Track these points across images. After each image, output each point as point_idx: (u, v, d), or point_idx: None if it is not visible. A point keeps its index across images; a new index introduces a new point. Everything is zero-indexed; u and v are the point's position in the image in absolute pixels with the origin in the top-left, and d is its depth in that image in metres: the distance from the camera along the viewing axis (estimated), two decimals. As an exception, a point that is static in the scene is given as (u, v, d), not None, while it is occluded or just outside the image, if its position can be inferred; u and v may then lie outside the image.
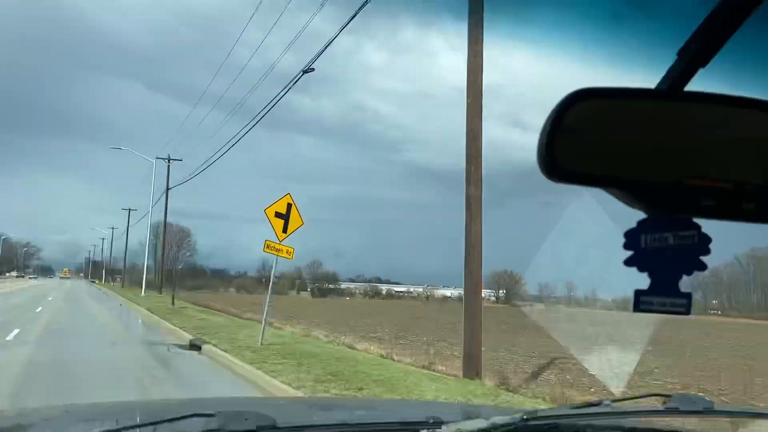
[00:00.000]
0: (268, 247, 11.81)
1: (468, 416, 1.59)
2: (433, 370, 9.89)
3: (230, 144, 24.05)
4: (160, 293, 41.39)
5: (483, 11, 8.87)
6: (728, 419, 2.08)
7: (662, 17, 1.08)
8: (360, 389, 7.26)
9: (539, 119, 0.75)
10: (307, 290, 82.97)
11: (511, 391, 8.26)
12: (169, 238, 58.71)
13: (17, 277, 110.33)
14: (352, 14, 11.39)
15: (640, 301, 0.78)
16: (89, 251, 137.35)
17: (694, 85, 0.76)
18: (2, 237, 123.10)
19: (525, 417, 1.46)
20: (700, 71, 0.76)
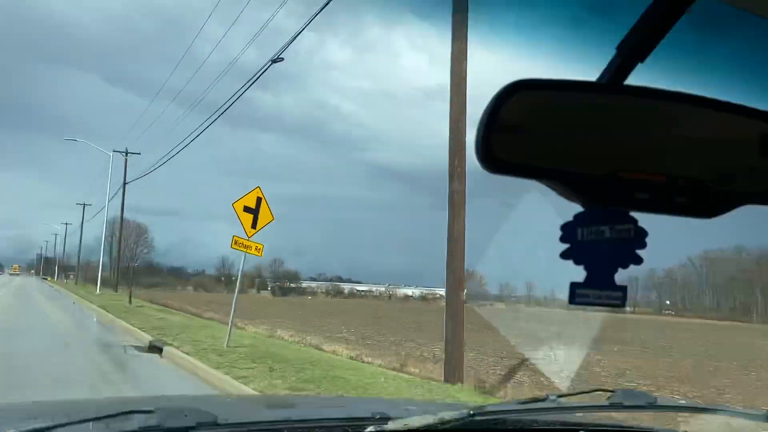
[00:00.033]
0: (236, 243, 11.23)
1: (416, 412, 1.57)
2: (406, 372, 9.61)
3: (190, 138, 23.50)
4: (116, 291, 40.30)
5: (467, 11, 8.71)
6: (671, 414, 2.11)
7: (604, 11, 1.09)
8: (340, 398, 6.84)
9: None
10: (267, 289, 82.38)
11: (486, 394, 8.06)
12: (126, 235, 57.03)
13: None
14: (316, 9, 11.27)
15: (576, 294, 0.78)
16: (41, 247, 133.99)
17: (634, 79, 0.76)
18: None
19: (472, 412, 1.47)
20: (639, 66, 0.76)
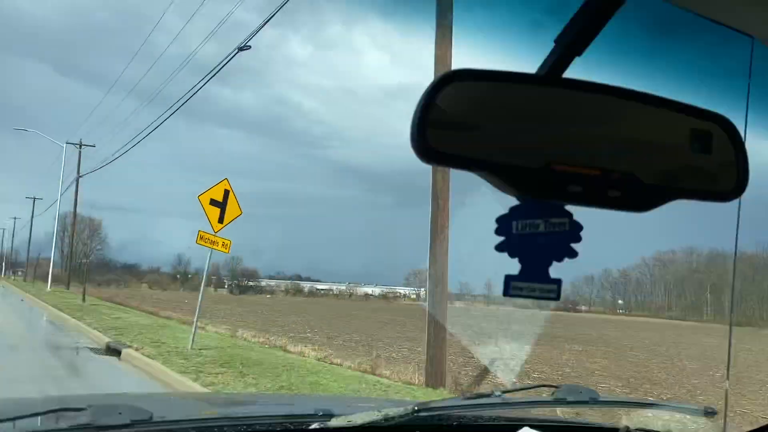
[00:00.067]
0: (201, 238, 10.73)
1: (361, 408, 1.57)
2: (380, 375, 9.38)
3: (147, 132, 23.01)
4: (68, 288, 39.10)
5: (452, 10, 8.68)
6: (612, 409, 2.17)
7: (543, 4, 1.10)
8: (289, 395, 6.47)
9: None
10: (224, 287, 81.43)
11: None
12: (79, 230, 55.27)
13: None
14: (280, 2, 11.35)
15: (511, 287, 0.79)
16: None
17: (572, 72, 0.77)
18: None
19: (417, 408, 1.48)
20: (577, 60, 0.77)
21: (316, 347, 13.43)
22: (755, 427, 1.52)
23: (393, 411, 1.48)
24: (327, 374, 8.76)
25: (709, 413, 1.64)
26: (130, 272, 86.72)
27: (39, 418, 1.44)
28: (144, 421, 1.43)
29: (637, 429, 1.65)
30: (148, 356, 9.80)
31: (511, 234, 0.81)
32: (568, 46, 0.77)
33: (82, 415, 1.37)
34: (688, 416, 1.77)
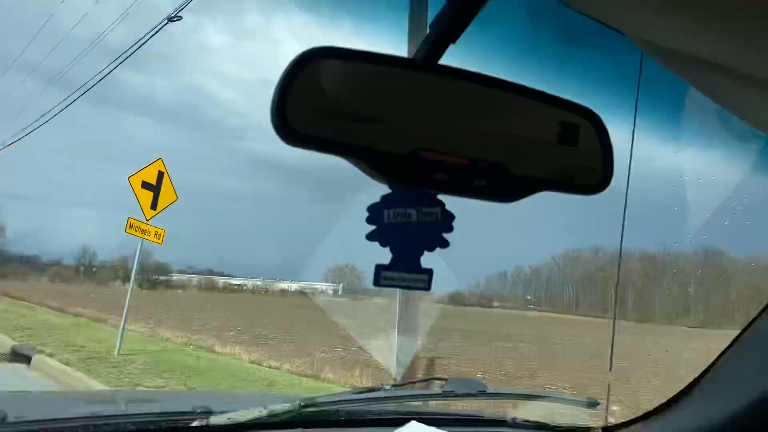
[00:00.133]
0: (131, 227, 9.91)
1: (245, 405, 1.53)
2: (325, 380, 9.23)
3: (48, 117, 21.43)
4: (-46, 282, 35.96)
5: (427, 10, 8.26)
6: (501, 401, 2.22)
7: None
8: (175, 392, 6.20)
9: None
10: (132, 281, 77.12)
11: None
12: (-28, 220, 51.27)
13: None
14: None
15: (381, 276, 0.78)
16: None
17: (447, 59, 0.75)
18: None
19: (303, 404, 1.46)
20: (453, 47, 0.75)
21: (246, 347, 13.03)
22: (635, 416, 1.78)
23: (278, 407, 1.46)
24: (287, 387, 8.40)
25: (592, 404, 1.75)
26: (28, 265, 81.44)
27: None
28: None
29: (523, 420, 1.73)
30: (66, 363, 8.89)
31: (382, 223, 0.80)
32: (442, 33, 0.76)
33: None
34: (572, 407, 1.85)
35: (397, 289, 8.22)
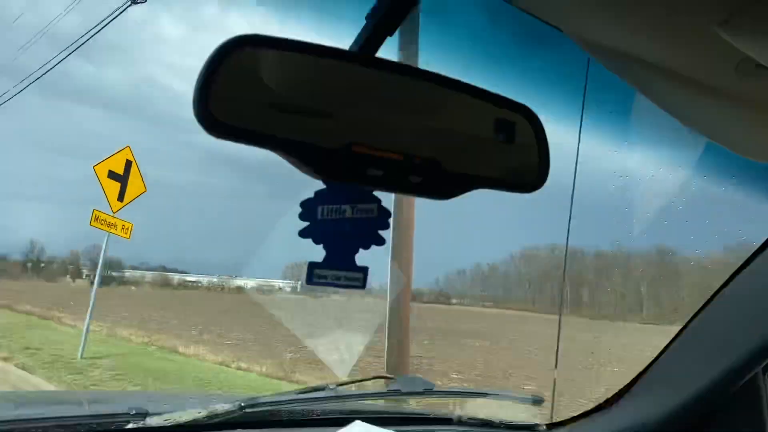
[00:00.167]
0: (96, 220, 9.16)
1: (184, 405, 1.49)
2: (297, 381, 8.77)
3: None
4: None
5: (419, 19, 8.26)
6: (447, 399, 2.21)
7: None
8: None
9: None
10: (83, 277, 75.49)
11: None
12: None
13: None
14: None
15: (314, 274, 0.76)
16: None
17: (384, 52, 0.73)
18: None
19: (243, 404, 1.43)
20: (390, 40, 0.74)
21: (210, 348, 12.55)
22: (580, 412, 1.81)
23: (219, 407, 1.43)
24: (258, 389, 7.93)
25: (537, 401, 1.78)
26: (-30, 260, 78.31)
27: None
28: None
29: (469, 418, 1.74)
30: (22, 368, 8.08)
31: (315, 219, 0.78)
32: (379, 24, 0.74)
33: None
34: (517, 404, 1.87)
35: (388, 287, 7.83)
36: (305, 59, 0.70)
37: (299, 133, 0.68)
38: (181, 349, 11.90)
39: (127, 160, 9.24)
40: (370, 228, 0.80)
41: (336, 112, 0.71)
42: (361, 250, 0.81)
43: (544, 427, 1.77)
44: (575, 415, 1.78)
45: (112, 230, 9.32)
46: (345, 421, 1.55)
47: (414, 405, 1.96)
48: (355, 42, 0.75)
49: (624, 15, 0.87)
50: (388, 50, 0.77)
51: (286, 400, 1.60)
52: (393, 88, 0.75)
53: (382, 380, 1.75)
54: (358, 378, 1.88)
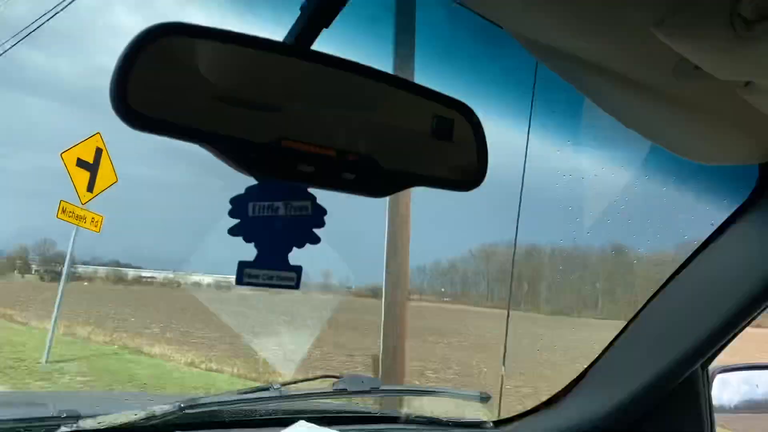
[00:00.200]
0: (63, 212, 8.45)
1: (121, 406, 1.45)
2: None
3: None
4: None
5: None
6: (395, 398, 2.17)
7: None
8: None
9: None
10: (32, 273, 72.98)
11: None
12: None
13: None
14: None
15: (244, 274, 0.73)
16: None
17: (320, 45, 0.72)
18: None
19: (183, 405, 1.40)
20: (325, 31, 0.72)
21: (176, 347, 12.16)
22: (528, 408, 1.82)
23: (156, 409, 1.39)
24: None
25: (484, 398, 1.77)
26: None
27: None
28: None
29: (417, 416, 1.73)
30: None
31: (246, 216, 0.75)
32: (314, 16, 0.72)
33: None
34: (465, 401, 1.86)
35: (383, 287, 7.19)
36: (235, 50, 0.67)
37: (226, 126, 0.65)
38: (146, 349, 11.43)
39: (98, 147, 8.60)
40: (305, 226, 0.77)
41: (266, 105, 0.68)
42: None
43: (491, 424, 1.77)
44: (522, 411, 1.80)
45: (81, 223, 8.67)
46: (290, 421, 1.53)
47: (362, 404, 1.96)
48: (290, 34, 0.73)
49: (564, 14, 0.86)
50: (330, 43, 0.74)
51: (228, 401, 1.55)
52: (328, 82, 0.72)
53: (329, 379, 1.70)
54: (304, 377, 1.81)
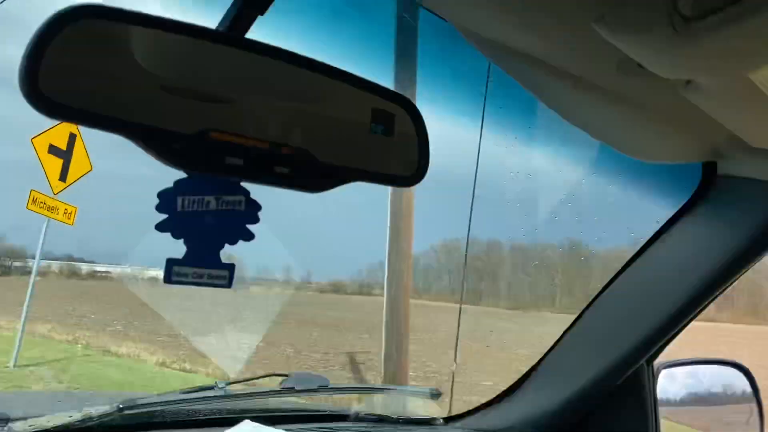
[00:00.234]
0: (34, 202, 7.72)
1: (55, 407, 1.41)
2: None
3: None
4: None
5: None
6: (345, 395, 2.17)
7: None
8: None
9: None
10: (-24, 267, 70.15)
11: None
12: None
13: None
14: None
15: (173, 272, 0.70)
16: None
17: (256, 33, 0.69)
18: None
19: (122, 406, 1.35)
20: (263, 20, 0.70)
21: (145, 346, 11.55)
22: (475, 406, 1.84)
23: (93, 410, 1.34)
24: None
25: (435, 395, 1.77)
26: None
27: None
28: None
29: (366, 414, 1.71)
30: None
31: (174, 212, 0.71)
32: (248, 3, 0.70)
33: None
34: (416, 398, 1.86)
35: (385, 285, 6.75)
36: (162, 36, 0.64)
37: (149, 116, 0.62)
38: (113, 349, 10.80)
39: (71, 133, 7.86)
40: (238, 222, 0.74)
41: (194, 95, 0.65)
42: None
43: (441, 420, 1.77)
44: (471, 408, 1.80)
45: (53, 215, 7.96)
46: (235, 421, 1.49)
47: (310, 402, 1.90)
48: (223, 21, 0.69)
49: (508, 9, 0.86)
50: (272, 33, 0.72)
51: (169, 401, 1.50)
52: (263, 72, 0.69)
53: (277, 378, 1.67)
54: (251, 376, 1.75)
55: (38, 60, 0.56)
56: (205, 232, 0.73)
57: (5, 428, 1.26)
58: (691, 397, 1.96)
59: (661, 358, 1.79)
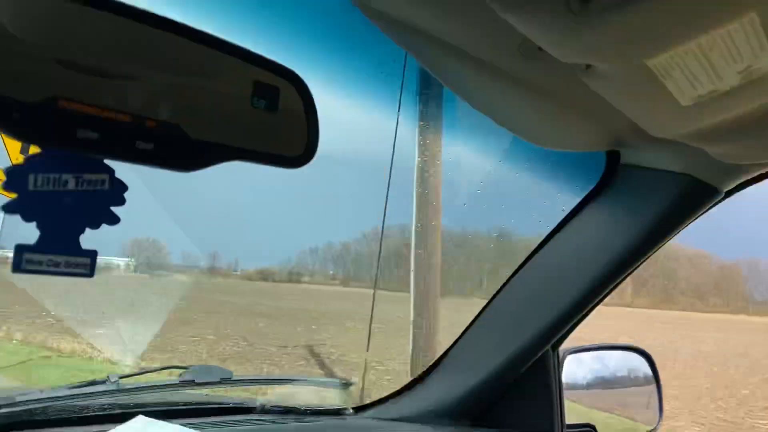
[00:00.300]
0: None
1: None
2: None
3: None
4: None
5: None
6: (250, 387, 2.13)
7: None
8: None
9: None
10: None
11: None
12: None
13: None
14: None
15: (23, 260, 0.62)
16: None
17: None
18: None
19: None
20: None
21: (89, 340, 10.39)
22: (385, 394, 1.83)
23: None
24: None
25: (346, 385, 1.77)
26: None
27: None
28: None
29: (273, 405, 1.65)
30: None
31: (25, 191, 0.63)
32: None
33: None
34: (325, 389, 1.83)
35: (411, 279, 6.31)
36: None
37: None
38: (55, 345, 9.96)
39: None
40: (101, 204, 0.67)
41: (42, 58, 0.57)
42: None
43: (351, 410, 1.74)
44: (381, 397, 1.78)
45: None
46: (129, 416, 1.40)
47: (211, 395, 1.76)
48: None
49: None
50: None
51: (54, 396, 1.39)
52: (126, 36, 0.62)
53: (176, 370, 1.60)
54: (146, 369, 1.64)
55: None
56: (62, 215, 0.65)
57: None
58: (597, 380, 2.03)
59: (572, 344, 1.83)
